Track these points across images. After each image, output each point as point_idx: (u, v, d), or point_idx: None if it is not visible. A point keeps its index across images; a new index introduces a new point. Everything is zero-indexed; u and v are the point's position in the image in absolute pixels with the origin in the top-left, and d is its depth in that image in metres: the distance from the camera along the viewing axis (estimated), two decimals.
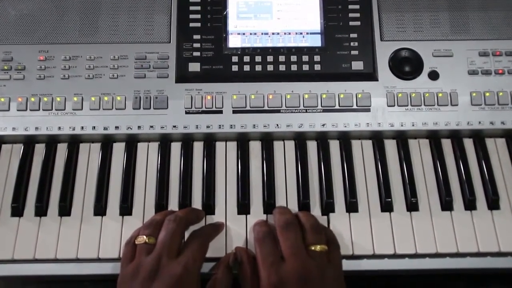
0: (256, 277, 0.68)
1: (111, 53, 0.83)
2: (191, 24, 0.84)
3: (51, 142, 0.82)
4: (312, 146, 0.83)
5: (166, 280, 0.65)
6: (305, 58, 0.83)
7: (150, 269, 0.66)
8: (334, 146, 0.83)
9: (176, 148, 0.82)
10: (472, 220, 0.77)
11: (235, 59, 0.83)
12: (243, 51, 0.84)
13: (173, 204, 0.78)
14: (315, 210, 0.78)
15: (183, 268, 0.66)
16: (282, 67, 0.83)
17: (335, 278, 0.68)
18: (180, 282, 0.65)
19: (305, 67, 0.83)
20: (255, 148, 0.82)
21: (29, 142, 0.82)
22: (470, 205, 0.78)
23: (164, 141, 0.82)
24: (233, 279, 0.71)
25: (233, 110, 0.81)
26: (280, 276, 0.65)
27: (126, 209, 0.77)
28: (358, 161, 0.81)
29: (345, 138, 0.83)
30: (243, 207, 0.77)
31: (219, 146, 0.82)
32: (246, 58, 0.83)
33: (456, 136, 0.83)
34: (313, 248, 0.68)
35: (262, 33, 0.85)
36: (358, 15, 0.85)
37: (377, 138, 0.83)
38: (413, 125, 0.81)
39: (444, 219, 0.77)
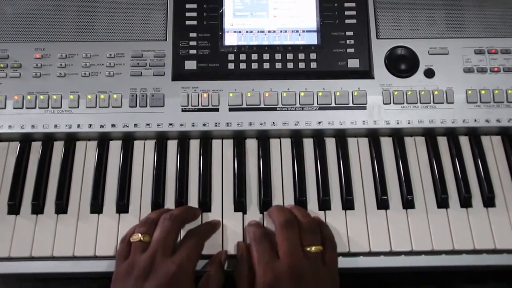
0: (252, 274, 0.68)
1: (107, 51, 0.83)
2: (187, 22, 0.84)
3: (48, 140, 0.82)
4: (308, 144, 0.83)
5: (159, 278, 0.65)
6: (301, 56, 0.84)
7: (144, 267, 0.66)
8: (330, 144, 0.83)
9: (172, 146, 0.82)
10: (467, 217, 0.77)
11: (231, 57, 0.83)
12: (239, 49, 0.84)
13: (170, 202, 0.78)
14: (312, 207, 0.78)
15: (178, 266, 0.66)
16: (278, 65, 0.83)
17: (329, 279, 0.68)
18: (174, 280, 0.65)
19: (301, 65, 0.83)
20: (251, 146, 0.83)
21: (25, 140, 0.82)
22: (465, 202, 0.78)
23: (161, 139, 0.82)
24: (226, 276, 0.71)
25: (229, 108, 0.81)
26: (275, 275, 0.66)
27: (122, 206, 0.77)
28: (354, 158, 0.82)
29: (341, 136, 0.83)
30: (240, 205, 0.78)
31: (216, 144, 0.82)
32: (242, 56, 0.83)
33: (451, 134, 0.83)
34: (308, 249, 0.69)
35: (258, 31, 0.85)
36: (354, 13, 0.85)
37: (373, 136, 0.83)
38: (409, 123, 0.81)
39: (439, 217, 0.77)
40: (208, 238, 0.74)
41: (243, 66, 0.83)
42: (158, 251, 0.67)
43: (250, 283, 0.68)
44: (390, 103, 0.82)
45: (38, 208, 0.77)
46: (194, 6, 0.85)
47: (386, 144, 0.83)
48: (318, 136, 0.83)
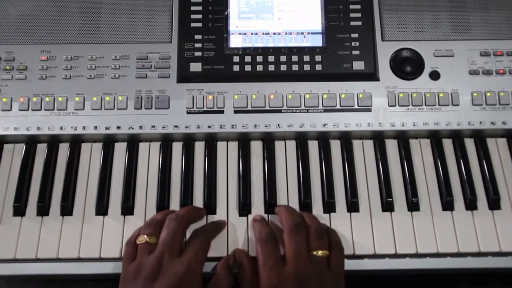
0: (256, 278, 0.68)
1: (113, 53, 0.83)
2: (193, 24, 0.84)
3: (53, 142, 0.82)
4: (313, 146, 0.83)
5: (168, 279, 0.65)
6: (306, 58, 0.84)
7: (152, 268, 0.66)
8: (335, 146, 0.83)
9: (177, 148, 0.82)
10: (473, 220, 0.77)
11: (236, 59, 0.83)
12: (244, 51, 0.84)
13: (175, 204, 0.78)
14: (316, 210, 0.78)
15: (186, 267, 0.66)
16: (283, 67, 0.83)
17: (333, 283, 0.68)
18: (182, 281, 0.66)
19: (306, 67, 0.83)
20: (256, 148, 0.83)
21: (31, 142, 0.82)
22: (471, 205, 0.78)
23: (166, 141, 0.82)
24: (234, 279, 0.71)
25: (234, 110, 0.82)
26: (280, 278, 0.66)
27: (127, 208, 0.77)
28: (359, 161, 0.82)
29: (346, 138, 0.83)
30: (245, 207, 0.78)
31: (221, 146, 0.83)
32: (248, 58, 0.83)
33: (457, 136, 0.83)
34: (314, 253, 0.69)
35: (263, 33, 0.85)
36: (359, 15, 0.85)
37: (378, 138, 0.83)
38: (414, 125, 0.81)
39: (445, 219, 0.77)
40: (214, 238, 0.74)
41: (248, 68, 0.83)
42: (165, 252, 0.67)
43: (254, 287, 0.68)
44: (395, 105, 0.82)
45: (43, 210, 0.77)
46: (199, 8, 0.85)
47: (391, 147, 0.83)
48: (323, 138, 0.83)
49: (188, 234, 0.73)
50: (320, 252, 0.69)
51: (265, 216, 0.77)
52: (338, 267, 0.70)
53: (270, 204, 0.77)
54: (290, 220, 0.72)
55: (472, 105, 0.82)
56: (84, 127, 0.80)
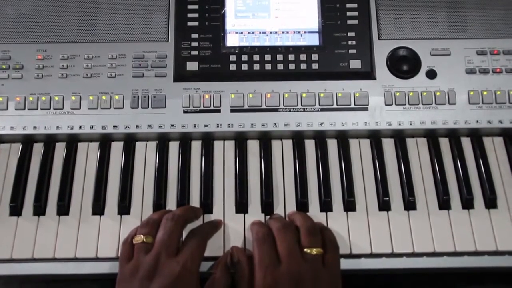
0: (253, 277, 0.68)
1: (109, 52, 0.83)
2: (189, 23, 0.84)
3: (49, 141, 0.82)
4: (310, 145, 0.83)
5: (165, 278, 0.65)
6: (303, 57, 0.84)
7: (149, 268, 0.66)
8: (332, 145, 0.83)
9: (174, 147, 0.82)
10: (469, 219, 0.77)
11: (233, 58, 0.83)
12: (241, 50, 0.84)
13: (171, 203, 0.78)
14: (313, 209, 0.78)
15: (182, 266, 0.66)
16: (280, 66, 0.83)
17: (329, 281, 0.68)
18: (179, 280, 0.66)
19: (303, 66, 0.83)
20: (253, 147, 0.83)
21: (27, 141, 0.82)
22: (467, 204, 0.78)
23: (162, 140, 0.82)
24: (231, 278, 0.71)
25: (231, 109, 0.81)
26: (275, 278, 0.66)
27: (124, 208, 0.77)
28: (356, 160, 0.82)
29: (343, 137, 0.83)
30: (241, 206, 0.78)
31: (217, 145, 0.82)
32: (244, 57, 0.83)
33: (453, 135, 0.83)
34: (308, 251, 0.69)
35: (260, 32, 0.85)
36: (356, 13, 0.85)
37: (375, 137, 0.83)
38: (410, 124, 0.81)
39: (441, 218, 0.77)
40: (210, 238, 0.74)
41: (244, 67, 0.83)
42: (162, 251, 0.68)
43: (251, 286, 0.68)
44: (392, 104, 0.82)
45: (40, 209, 0.77)
46: (196, 7, 0.85)
47: (388, 146, 0.83)
48: (320, 137, 0.83)
49: (184, 234, 0.73)
50: (314, 250, 0.69)
51: (262, 215, 0.77)
52: (333, 265, 0.70)
53: (267, 204, 0.77)
54: (277, 222, 0.72)
55: (468, 104, 0.82)
56: (80, 127, 0.80)
